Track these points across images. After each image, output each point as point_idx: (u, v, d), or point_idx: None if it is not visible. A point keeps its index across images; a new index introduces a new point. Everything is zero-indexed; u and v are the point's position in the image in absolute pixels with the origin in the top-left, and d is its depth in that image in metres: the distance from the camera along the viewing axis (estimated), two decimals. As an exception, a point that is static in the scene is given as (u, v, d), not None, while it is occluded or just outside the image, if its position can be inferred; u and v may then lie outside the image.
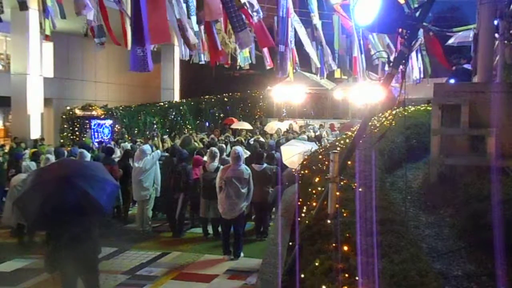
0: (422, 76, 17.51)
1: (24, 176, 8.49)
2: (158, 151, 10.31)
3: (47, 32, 11.34)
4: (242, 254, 7.78)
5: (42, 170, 5.71)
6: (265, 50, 14.86)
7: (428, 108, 9.25)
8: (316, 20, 15.59)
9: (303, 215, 4.11)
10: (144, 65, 8.31)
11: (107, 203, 4.87)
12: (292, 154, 8.93)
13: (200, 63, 14.39)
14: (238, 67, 15.86)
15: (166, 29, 9.15)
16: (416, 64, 16.92)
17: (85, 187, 4.65)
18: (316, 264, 2.84)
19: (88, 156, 9.93)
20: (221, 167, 8.56)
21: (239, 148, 8.29)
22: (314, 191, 4.36)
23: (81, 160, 9.11)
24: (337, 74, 19.25)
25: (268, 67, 15.31)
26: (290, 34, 13.86)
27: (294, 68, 16.09)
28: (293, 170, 8.01)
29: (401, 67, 3.36)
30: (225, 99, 25.76)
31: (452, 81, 9.34)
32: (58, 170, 4.98)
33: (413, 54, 16.12)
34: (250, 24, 10.74)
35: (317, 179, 4.62)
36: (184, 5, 10.75)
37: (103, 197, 4.73)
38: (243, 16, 9.84)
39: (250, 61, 15.47)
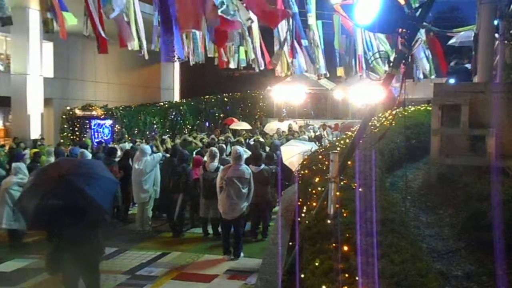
0: (422, 76, 17.50)
1: (15, 179, 8.44)
2: (160, 153, 10.22)
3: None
4: (242, 254, 7.78)
5: (41, 170, 5.74)
6: (264, 50, 14.85)
7: (428, 108, 9.25)
8: (312, 21, 15.58)
9: (303, 215, 4.11)
10: (171, 53, 8.43)
11: (104, 201, 4.84)
12: (292, 155, 8.92)
13: (200, 63, 14.40)
14: (237, 67, 15.84)
15: (196, 16, 9.15)
16: (423, 62, 16.90)
17: (81, 185, 4.64)
18: (316, 264, 2.84)
19: (89, 155, 9.93)
20: (221, 167, 8.55)
21: (240, 148, 8.27)
22: (314, 191, 4.36)
23: (79, 158, 9.12)
24: (339, 72, 19.26)
25: (262, 68, 15.29)
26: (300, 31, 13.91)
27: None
28: (294, 170, 8.01)
29: (401, 67, 3.36)
30: (225, 99, 25.77)
31: (452, 81, 9.34)
32: (55, 169, 5.01)
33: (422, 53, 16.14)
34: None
35: (317, 179, 4.62)
36: None
37: (99, 194, 4.72)
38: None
39: (245, 64, 15.42)
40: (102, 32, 10.03)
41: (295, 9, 13.60)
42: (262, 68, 15.36)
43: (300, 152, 8.74)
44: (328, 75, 19.04)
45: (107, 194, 5.00)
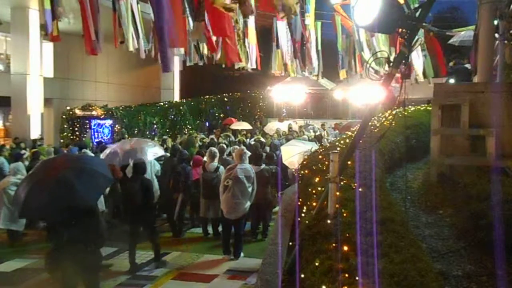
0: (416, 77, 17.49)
1: (13, 179, 8.42)
2: (157, 165, 10.04)
3: (55, 32, 11.25)
4: (242, 254, 7.78)
5: (42, 162, 5.96)
6: (254, 51, 14.85)
7: (428, 108, 9.24)
8: (309, 21, 15.61)
9: (303, 215, 4.11)
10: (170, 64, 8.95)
11: (91, 194, 4.86)
12: (292, 154, 8.91)
13: (199, 63, 14.40)
14: (238, 68, 15.83)
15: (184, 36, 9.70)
16: (418, 64, 16.90)
17: (70, 177, 4.69)
18: (316, 264, 2.84)
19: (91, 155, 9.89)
20: (221, 167, 8.55)
21: (244, 148, 8.30)
22: (314, 191, 4.36)
23: (81, 155, 9.16)
24: (342, 74, 19.31)
25: (252, 67, 15.28)
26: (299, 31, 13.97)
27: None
28: (294, 170, 8.02)
29: (401, 67, 3.36)
30: (225, 99, 25.76)
31: (452, 81, 9.35)
32: (53, 162, 5.14)
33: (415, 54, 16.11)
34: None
35: (317, 179, 4.62)
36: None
37: (87, 187, 4.75)
38: None
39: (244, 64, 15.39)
40: (92, 34, 10.15)
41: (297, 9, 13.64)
42: (252, 67, 15.32)
43: (300, 152, 8.73)
44: (320, 76, 19.07)
45: (96, 189, 5.04)
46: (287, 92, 23.81)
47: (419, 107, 11.01)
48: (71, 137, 18.01)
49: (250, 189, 7.57)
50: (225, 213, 7.58)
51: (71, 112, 18.47)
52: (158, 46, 10.09)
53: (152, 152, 9.21)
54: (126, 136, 17.69)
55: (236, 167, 7.61)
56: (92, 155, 10.12)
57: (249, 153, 9.94)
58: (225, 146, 11.37)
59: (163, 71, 10.00)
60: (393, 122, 6.67)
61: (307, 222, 3.74)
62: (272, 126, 19.90)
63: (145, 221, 7.45)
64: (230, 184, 7.47)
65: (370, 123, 5.42)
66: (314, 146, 9.35)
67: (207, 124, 23.94)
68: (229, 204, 7.49)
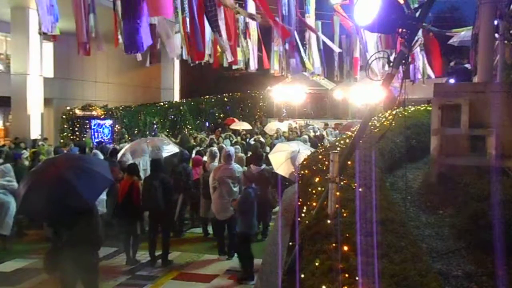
0: (420, 76, 17.48)
1: (2, 181, 8.23)
2: None
3: (57, 32, 11.15)
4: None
5: (46, 160, 5.92)
6: (255, 51, 14.77)
7: (428, 108, 9.23)
8: (310, 22, 15.57)
9: (303, 215, 4.11)
10: (139, 43, 7.64)
11: (90, 194, 4.85)
12: (281, 161, 8.68)
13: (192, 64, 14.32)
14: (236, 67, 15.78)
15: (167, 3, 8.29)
16: (420, 64, 16.87)
17: (69, 177, 4.68)
18: (316, 264, 2.84)
19: (101, 156, 9.88)
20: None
21: (230, 148, 8.32)
22: (314, 191, 4.35)
23: (82, 155, 9.17)
24: (337, 76, 19.32)
25: (255, 69, 15.19)
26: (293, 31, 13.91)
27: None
28: (292, 173, 7.96)
29: (401, 67, 3.36)
30: (225, 99, 25.77)
31: (452, 81, 9.34)
32: (54, 161, 5.14)
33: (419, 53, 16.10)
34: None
35: (317, 179, 4.62)
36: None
37: (86, 187, 4.74)
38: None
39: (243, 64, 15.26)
40: (83, 35, 9.98)
41: (292, 10, 13.61)
42: (254, 68, 15.24)
43: (289, 156, 8.52)
44: (323, 76, 19.05)
45: (94, 189, 5.02)
46: (287, 92, 23.80)
47: (419, 107, 11.00)
48: (71, 137, 18.01)
49: (236, 189, 7.61)
50: (216, 213, 7.68)
51: (71, 112, 18.47)
52: (123, 23, 8.26)
53: (168, 149, 9.37)
54: (126, 136, 17.69)
55: (220, 168, 7.70)
56: (102, 157, 10.06)
57: (248, 153, 9.95)
58: (224, 146, 11.37)
59: (125, 51, 8.28)
60: (393, 122, 6.67)
61: (307, 222, 3.73)
62: (272, 126, 19.88)
63: (164, 218, 7.61)
64: (216, 185, 7.56)
65: (370, 123, 5.42)
66: (301, 147, 9.02)
67: (207, 124, 23.96)
68: (218, 204, 7.58)
